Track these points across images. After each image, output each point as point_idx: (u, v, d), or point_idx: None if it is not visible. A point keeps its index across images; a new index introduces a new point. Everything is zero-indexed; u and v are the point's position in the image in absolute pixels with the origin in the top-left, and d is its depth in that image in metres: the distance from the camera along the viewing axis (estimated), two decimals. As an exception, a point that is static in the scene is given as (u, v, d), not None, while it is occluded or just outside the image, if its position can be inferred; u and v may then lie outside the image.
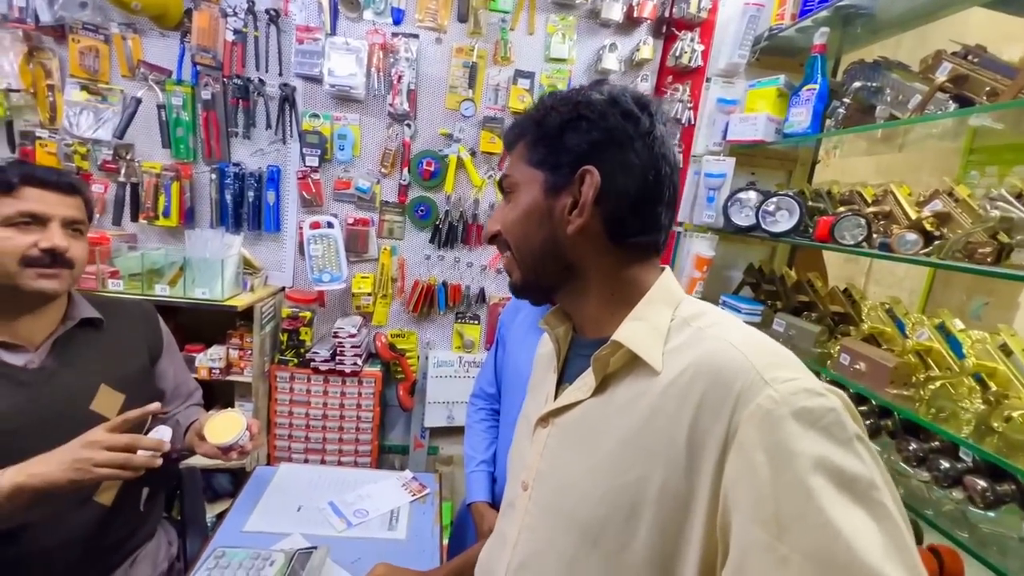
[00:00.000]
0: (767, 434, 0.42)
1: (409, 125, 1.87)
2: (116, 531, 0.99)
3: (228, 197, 1.80)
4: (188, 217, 1.80)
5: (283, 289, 1.94)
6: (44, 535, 0.88)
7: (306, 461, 1.90)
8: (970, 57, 1.14)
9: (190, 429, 1.05)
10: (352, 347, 1.83)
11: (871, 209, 1.33)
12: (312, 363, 1.82)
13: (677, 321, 0.54)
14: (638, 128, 0.54)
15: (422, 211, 1.95)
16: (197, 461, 1.15)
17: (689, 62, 1.80)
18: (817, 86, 1.43)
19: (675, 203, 0.59)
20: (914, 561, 0.39)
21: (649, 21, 1.87)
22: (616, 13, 1.83)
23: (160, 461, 0.86)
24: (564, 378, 0.63)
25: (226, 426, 0.99)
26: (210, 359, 1.69)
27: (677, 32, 1.85)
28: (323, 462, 1.90)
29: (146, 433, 0.89)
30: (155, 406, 0.90)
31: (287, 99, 1.79)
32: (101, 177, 1.75)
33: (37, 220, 0.87)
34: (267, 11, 1.72)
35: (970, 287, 2.26)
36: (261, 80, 1.76)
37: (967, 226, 1.09)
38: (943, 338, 1.18)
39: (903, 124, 1.23)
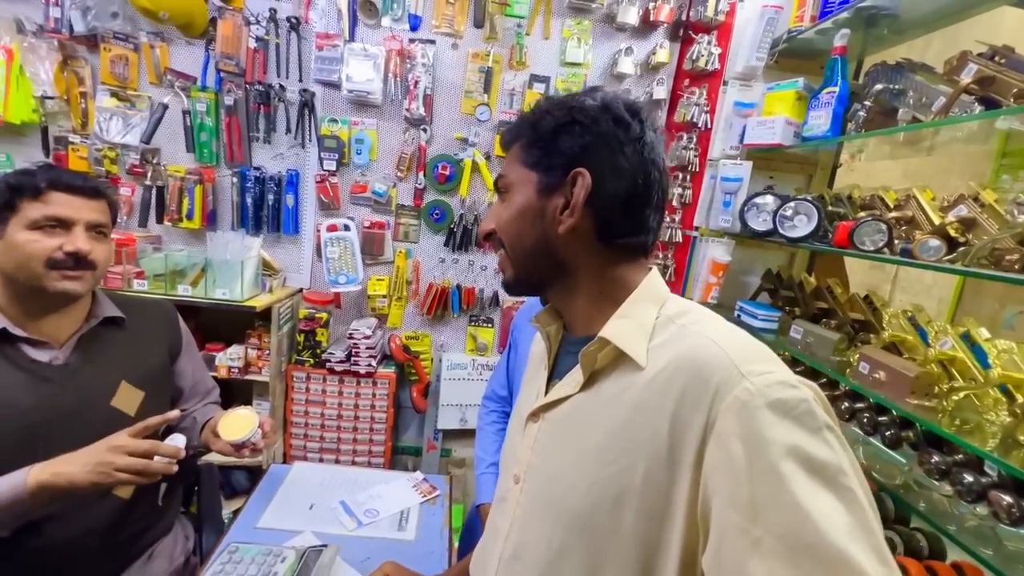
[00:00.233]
0: (743, 424, 0.45)
1: (425, 129, 1.89)
2: (134, 524, 1.02)
3: (249, 200, 1.85)
4: (210, 219, 1.85)
5: (300, 290, 1.98)
6: (64, 527, 0.91)
7: (321, 460, 1.92)
8: (997, 58, 1.10)
9: (206, 426, 1.08)
10: (367, 348, 1.85)
11: (893, 214, 1.30)
12: (328, 364, 1.85)
13: (662, 319, 0.56)
14: (629, 133, 0.56)
15: (437, 214, 1.97)
16: (214, 458, 1.17)
17: (706, 65, 1.78)
18: (837, 89, 1.40)
19: (663, 207, 0.61)
20: (878, 542, 0.41)
21: (666, 24, 1.87)
22: (632, 17, 1.83)
23: (176, 468, 0.89)
24: (554, 374, 0.65)
25: (239, 424, 1.02)
26: (229, 358, 1.73)
27: (694, 35, 1.84)
28: (337, 461, 1.93)
29: (162, 439, 0.92)
30: (175, 413, 0.93)
31: (306, 104, 1.83)
32: (129, 180, 1.81)
33: (62, 224, 0.90)
34: (288, 19, 1.76)
35: (1002, 296, 2.18)
36: (282, 86, 1.81)
37: (993, 232, 1.06)
38: (968, 347, 1.14)
39: (925, 127, 1.20)
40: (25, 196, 0.87)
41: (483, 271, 2.04)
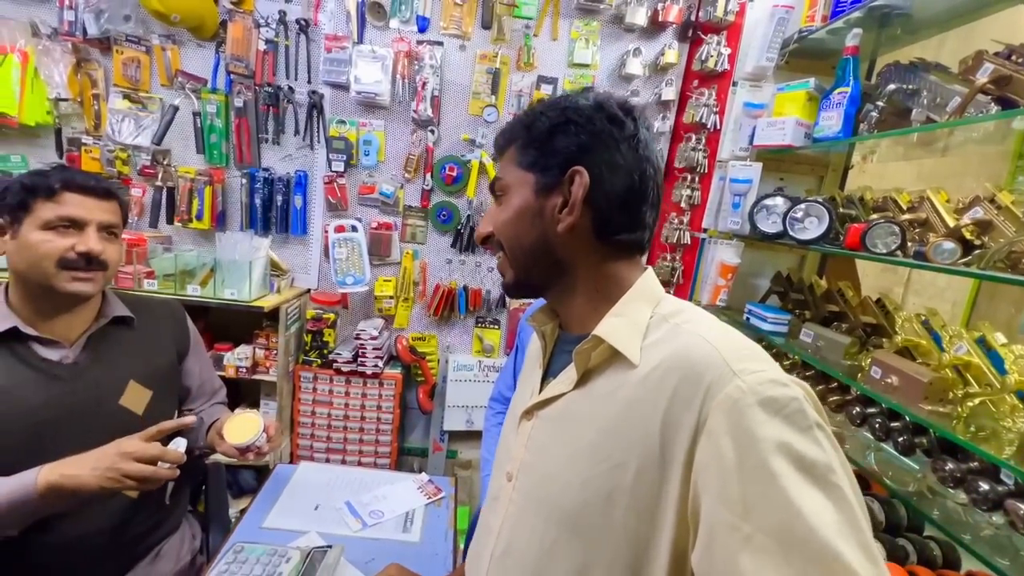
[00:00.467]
0: (734, 421, 0.45)
1: (432, 131, 1.90)
2: (142, 523, 1.03)
3: (257, 201, 1.86)
4: (220, 220, 1.87)
5: (308, 291, 1.98)
6: (73, 525, 0.91)
7: (327, 460, 1.93)
8: (1014, 57, 1.08)
9: (212, 428, 1.08)
10: (374, 349, 1.86)
11: (906, 216, 1.28)
12: (335, 364, 1.86)
13: (656, 318, 0.57)
14: (623, 131, 0.57)
15: (444, 216, 1.97)
16: (222, 457, 1.18)
17: (715, 66, 1.77)
18: (849, 89, 1.38)
19: (659, 204, 0.62)
20: (866, 540, 0.41)
21: (675, 25, 1.86)
22: (641, 18, 1.82)
23: (178, 472, 0.89)
24: (549, 373, 0.66)
25: (244, 427, 1.02)
26: (237, 358, 1.74)
27: (703, 36, 1.82)
28: (344, 462, 1.93)
29: (165, 442, 0.92)
30: (191, 420, 0.93)
31: (315, 106, 1.84)
32: (140, 181, 1.83)
33: (75, 224, 0.91)
34: (297, 21, 1.78)
35: (1019, 300, 2.13)
36: (291, 88, 1.82)
37: (1010, 234, 1.03)
38: (983, 352, 1.11)
39: (939, 128, 1.18)
40: (39, 197, 0.88)
41: (490, 272, 2.04)
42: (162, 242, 1.83)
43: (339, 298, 1.96)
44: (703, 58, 1.80)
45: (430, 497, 1.28)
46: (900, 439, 1.22)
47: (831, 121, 1.43)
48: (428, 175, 1.92)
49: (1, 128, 1.71)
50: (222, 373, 1.69)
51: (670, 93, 1.90)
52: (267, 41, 1.77)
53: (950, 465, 1.08)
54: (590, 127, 0.57)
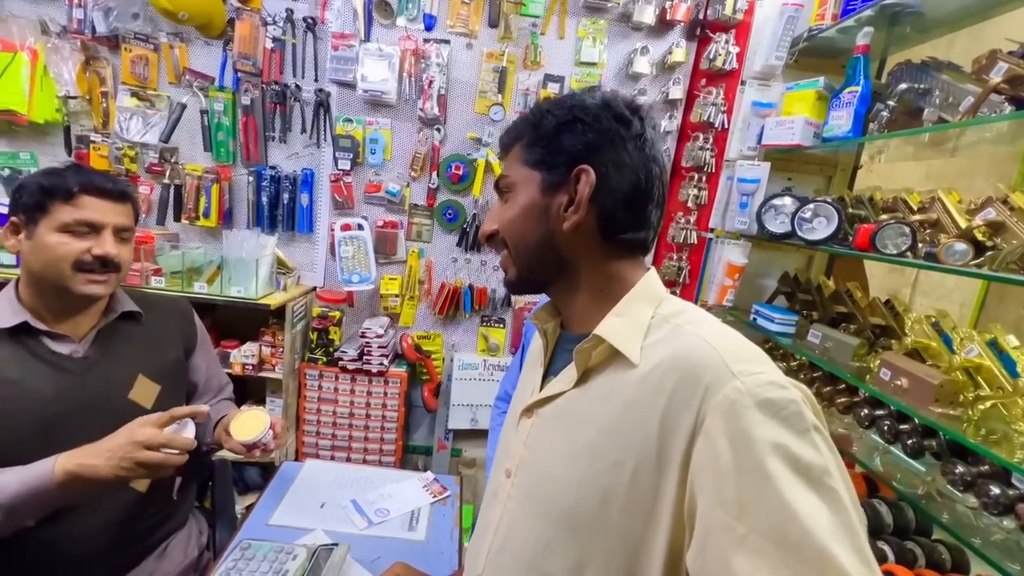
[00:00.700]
0: (731, 422, 0.45)
1: (439, 129, 1.89)
2: (149, 517, 1.03)
3: (264, 199, 1.86)
4: (226, 218, 1.87)
5: (314, 289, 1.99)
6: (81, 519, 0.92)
7: (332, 458, 1.93)
8: (1029, 56, 1.07)
9: (219, 424, 1.09)
10: (379, 347, 1.86)
11: (916, 217, 1.27)
12: (340, 362, 1.86)
13: (657, 318, 0.57)
14: (630, 130, 0.57)
15: (450, 214, 1.97)
16: (228, 454, 1.18)
17: (723, 64, 1.76)
18: (859, 88, 1.37)
19: (664, 203, 0.62)
20: (861, 543, 0.41)
21: (682, 23, 1.84)
22: (648, 16, 1.81)
23: (186, 458, 0.89)
24: (550, 371, 0.66)
25: (251, 424, 1.02)
26: (244, 355, 1.75)
27: (711, 34, 1.81)
28: (349, 460, 1.94)
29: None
30: (205, 409, 0.93)
31: (322, 104, 1.84)
32: (147, 179, 1.84)
33: (92, 227, 0.92)
34: (305, 19, 1.78)
35: (1028, 301, 2.11)
36: (298, 86, 1.82)
37: (1023, 236, 1.02)
38: (995, 355, 1.10)
39: (953, 127, 1.17)
40: (57, 199, 0.89)
41: (495, 271, 2.04)
42: (169, 239, 1.84)
43: (345, 296, 1.96)
44: (711, 57, 1.79)
45: (436, 496, 1.29)
46: (909, 442, 1.21)
47: (841, 121, 1.42)
48: (434, 173, 1.92)
49: (11, 125, 1.72)
50: (228, 370, 1.69)
51: (677, 92, 1.88)
52: (274, 39, 1.77)
53: (960, 468, 1.07)
54: (597, 126, 0.57)
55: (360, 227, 1.89)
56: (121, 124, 1.77)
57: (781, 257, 1.91)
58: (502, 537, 0.62)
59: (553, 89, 1.89)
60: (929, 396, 1.08)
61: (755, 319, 1.69)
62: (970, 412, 1.05)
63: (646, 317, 0.57)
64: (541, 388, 0.64)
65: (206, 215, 1.84)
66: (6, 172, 1.74)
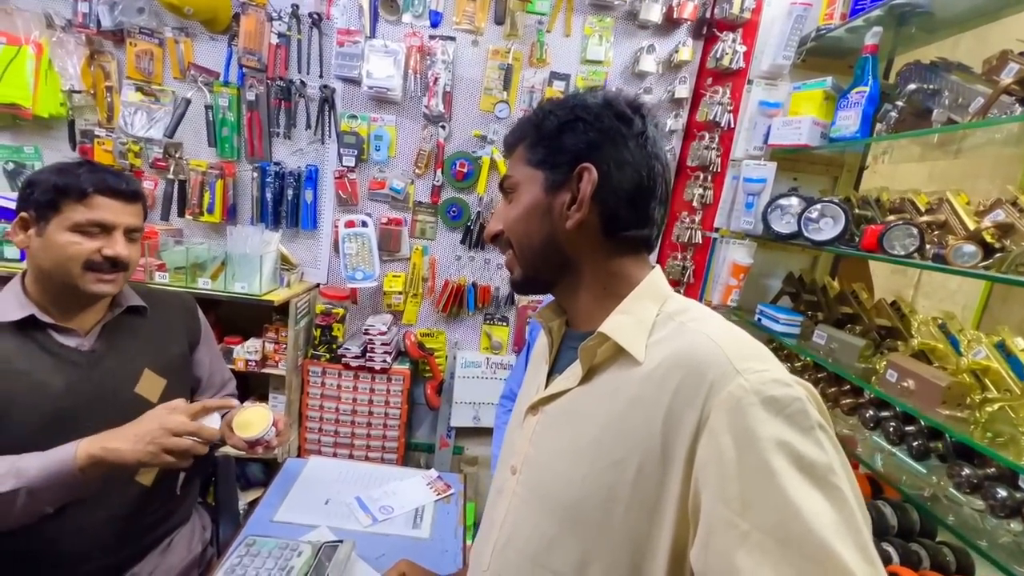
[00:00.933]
0: (735, 419, 0.45)
1: (444, 127, 1.89)
2: (153, 512, 1.03)
3: (268, 195, 1.86)
4: (230, 214, 1.87)
5: (318, 286, 1.99)
6: (86, 512, 0.92)
7: (335, 455, 1.93)
8: (1040, 57, 1.06)
9: (222, 421, 1.09)
10: (382, 344, 1.86)
11: (924, 218, 1.26)
12: (343, 359, 1.86)
13: (662, 316, 0.57)
14: (631, 129, 0.58)
15: (454, 212, 1.96)
16: (231, 450, 1.18)
17: (730, 64, 1.75)
18: (867, 88, 1.36)
19: (667, 200, 0.62)
20: (865, 541, 0.42)
21: (689, 22, 1.84)
22: (655, 14, 1.80)
23: (207, 449, 0.90)
24: (555, 369, 0.67)
25: (254, 421, 1.02)
26: (247, 351, 1.74)
27: (718, 33, 1.80)
28: (351, 457, 1.94)
29: None
30: (234, 401, 0.94)
31: (327, 100, 1.83)
32: (152, 174, 1.83)
33: (103, 228, 0.92)
34: (310, 15, 1.77)
35: (1032, 303, 2.11)
36: (302, 82, 1.82)
37: (1033, 238, 1.02)
38: (1003, 357, 1.10)
39: (964, 128, 1.16)
40: (70, 198, 0.88)
41: (499, 269, 2.03)
42: (173, 235, 1.83)
43: (348, 293, 1.96)
44: (718, 55, 1.78)
45: (440, 493, 1.29)
46: (915, 443, 1.21)
47: (848, 121, 1.42)
48: (439, 171, 1.92)
49: (15, 119, 1.72)
50: (232, 366, 1.69)
51: (684, 91, 1.88)
52: (279, 35, 1.76)
53: (966, 471, 1.07)
54: (598, 124, 0.58)
55: (364, 224, 1.88)
56: (125, 119, 1.77)
57: (786, 257, 1.90)
58: (507, 533, 0.62)
59: (559, 87, 1.88)
60: (936, 398, 1.07)
61: (760, 319, 1.68)
62: (977, 414, 1.05)
63: (651, 315, 0.57)
64: (546, 386, 0.65)
65: (210, 211, 1.84)
66: (10, 166, 1.74)
